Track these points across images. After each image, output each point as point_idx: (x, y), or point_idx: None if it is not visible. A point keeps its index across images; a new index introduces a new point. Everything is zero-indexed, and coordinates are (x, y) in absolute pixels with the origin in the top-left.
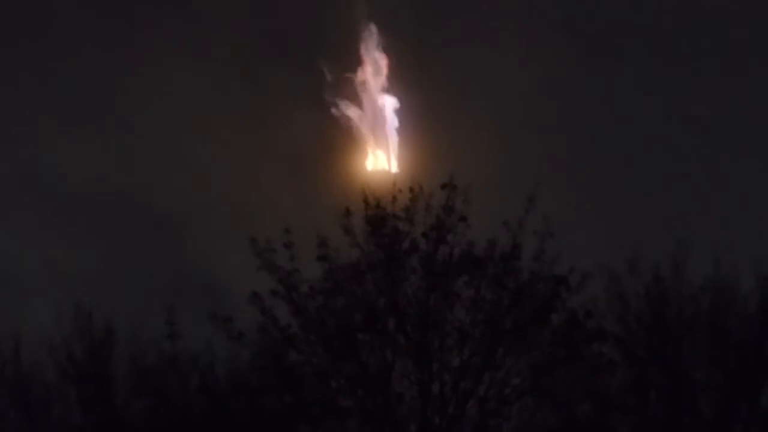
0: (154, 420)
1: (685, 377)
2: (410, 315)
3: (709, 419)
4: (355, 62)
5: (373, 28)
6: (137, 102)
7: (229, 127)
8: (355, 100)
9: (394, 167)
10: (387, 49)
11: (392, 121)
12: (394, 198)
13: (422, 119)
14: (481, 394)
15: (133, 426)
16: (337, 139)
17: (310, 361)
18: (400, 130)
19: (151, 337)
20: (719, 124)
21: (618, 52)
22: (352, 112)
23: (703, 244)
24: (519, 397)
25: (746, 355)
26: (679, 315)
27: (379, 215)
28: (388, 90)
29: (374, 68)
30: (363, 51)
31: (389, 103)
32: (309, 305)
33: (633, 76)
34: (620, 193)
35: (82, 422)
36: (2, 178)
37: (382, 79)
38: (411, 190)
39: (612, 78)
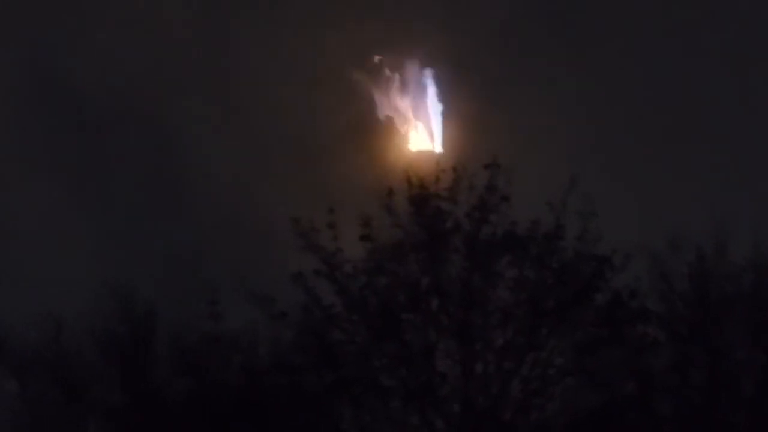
0: (194, 399)
1: (727, 357)
2: (453, 295)
3: (749, 398)
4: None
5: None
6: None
7: (270, 102)
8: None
9: (438, 147)
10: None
11: (436, 100)
12: (438, 178)
13: (467, 98)
14: (524, 374)
15: (174, 405)
16: (381, 119)
17: (352, 340)
18: (445, 110)
19: (193, 317)
20: (761, 104)
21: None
22: (396, 91)
23: (745, 223)
24: (562, 378)
25: None
26: (721, 294)
27: (422, 195)
28: (432, 71)
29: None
30: None
31: (433, 83)
32: (352, 285)
33: (674, 57)
34: (662, 173)
35: (122, 402)
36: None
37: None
38: (454, 170)
39: (654, 60)
